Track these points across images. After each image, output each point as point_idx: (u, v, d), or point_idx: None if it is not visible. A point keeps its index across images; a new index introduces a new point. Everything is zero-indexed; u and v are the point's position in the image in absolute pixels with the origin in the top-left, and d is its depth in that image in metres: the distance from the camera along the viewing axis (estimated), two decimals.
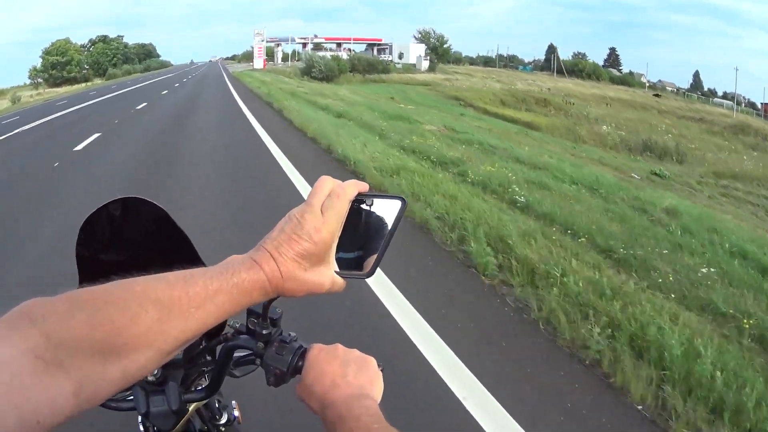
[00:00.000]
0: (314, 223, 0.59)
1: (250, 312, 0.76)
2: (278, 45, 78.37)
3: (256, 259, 0.58)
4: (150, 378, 0.86)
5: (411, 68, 65.35)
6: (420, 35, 79.48)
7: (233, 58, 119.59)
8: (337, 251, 0.64)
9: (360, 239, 0.66)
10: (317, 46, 74.69)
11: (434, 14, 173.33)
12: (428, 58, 70.43)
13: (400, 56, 73.19)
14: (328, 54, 59.40)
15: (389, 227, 0.66)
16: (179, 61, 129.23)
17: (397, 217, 0.66)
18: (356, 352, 0.72)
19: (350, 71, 54.25)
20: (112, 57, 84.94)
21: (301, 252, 0.59)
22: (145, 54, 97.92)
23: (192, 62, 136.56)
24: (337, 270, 0.64)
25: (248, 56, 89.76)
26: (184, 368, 0.91)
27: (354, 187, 0.63)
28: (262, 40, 73.04)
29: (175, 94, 26.68)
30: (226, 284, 0.55)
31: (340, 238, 0.63)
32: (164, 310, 0.51)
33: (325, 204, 0.60)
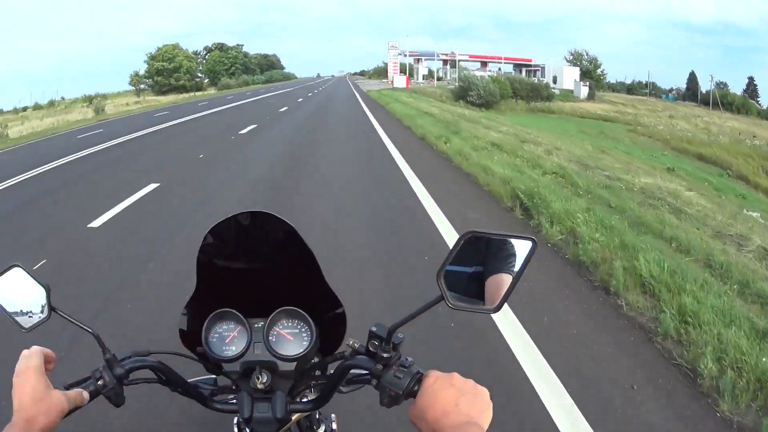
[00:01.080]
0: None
1: (372, 335, 0.78)
2: (418, 60, 64.84)
3: None
4: (259, 386, 0.86)
5: (568, 95, 55.46)
6: (572, 57, 65.92)
7: (362, 73, 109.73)
8: (454, 263, 0.68)
9: (480, 259, 0.68)
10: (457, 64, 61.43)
11: (561, 35, 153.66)
12: (586, 83, 60.17)
13: (554, 80, 60.32)
14: (482, 74, 45.96)
15: (518, 266, 0.67)
16: (304, 74, 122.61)
17: (526, 257, 0.67)
18: (471, 382, 0.71)
19: (511, 96, 41.31)
20: (230, 66, 77.62)
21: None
22: (268, 65, 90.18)
23: (318, 75, 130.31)
24: (458, 303, 0.68)
25: (380, 72, 78.71)
26: (294, 379, 0.90)
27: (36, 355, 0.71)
28: (398, 54, 61.11)
29: (263, 134, 13.71)
30: None
31: (461, 254, 0.67)
32: None
33: None
